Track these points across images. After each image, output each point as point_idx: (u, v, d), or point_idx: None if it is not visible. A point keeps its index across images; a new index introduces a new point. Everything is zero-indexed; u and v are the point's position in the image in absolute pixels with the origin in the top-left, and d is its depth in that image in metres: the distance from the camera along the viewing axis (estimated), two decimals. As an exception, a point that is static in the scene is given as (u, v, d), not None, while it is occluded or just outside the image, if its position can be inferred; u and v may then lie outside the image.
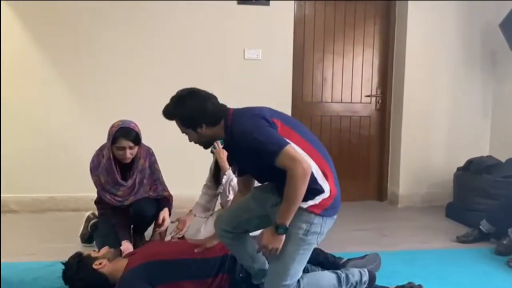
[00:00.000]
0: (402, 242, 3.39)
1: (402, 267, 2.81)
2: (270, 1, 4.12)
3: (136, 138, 2.76)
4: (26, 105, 3.94)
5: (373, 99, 4.60)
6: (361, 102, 4.59)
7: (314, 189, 1.98)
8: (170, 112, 2.07)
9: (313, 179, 1.96)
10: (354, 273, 2.27)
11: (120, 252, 2.61)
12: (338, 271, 2.28)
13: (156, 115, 2.13)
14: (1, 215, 3.81)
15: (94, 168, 2.84)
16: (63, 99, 3.97)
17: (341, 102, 4.56)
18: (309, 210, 1.99)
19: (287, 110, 4.24)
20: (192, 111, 2.03)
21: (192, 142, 2.13)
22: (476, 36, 4.43)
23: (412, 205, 4.41)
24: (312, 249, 2.10)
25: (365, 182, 4.69)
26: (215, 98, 2.09)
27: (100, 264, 2.40)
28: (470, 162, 3.93)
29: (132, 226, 2.96)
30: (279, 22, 4.18)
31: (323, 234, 2.07)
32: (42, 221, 3.73)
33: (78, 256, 2.44)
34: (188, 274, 2.27)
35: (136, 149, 2.78)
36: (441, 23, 4.35)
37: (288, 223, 1.97)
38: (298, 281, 2.11)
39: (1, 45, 3.82)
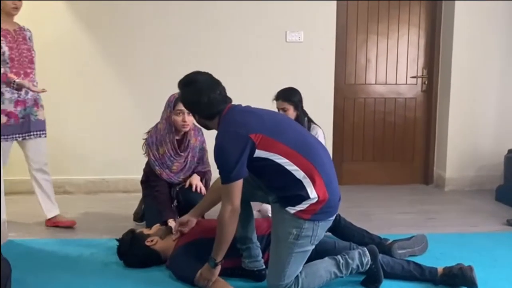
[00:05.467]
0: (450, 225, 3.32)
1: (450, 249, 2.76)
2: (313, -17, 4.08)
3: None
4: (83, 91, 4.09)
5: (419, 80, 4.49)
6: (406, 84, 4.49)
7: (299, 195, 2.02)
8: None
9: (299, 185, 2.01)
10: (354, 257, 2.22)
11: (171, 230, 2.70)
12: (338, 257, 2.22)
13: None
14: (58, 196, 4.02)
15: (152, 142, 2.94)
16: (117, 85, 4.10)
17: (386, 84, 4.47)
18: (297, 215, 2.02)
19: (329, 93, 4.23)
20: (188, 100, 2.15)
21: None
22: (530, 11, 4.22)
23: (460, 188, 4.30)
24: (310, 250, 2.12)
25: (410, 165, 4.60)
26: (214, 90, 2.05)
27: (152, 241, 2.51)
28: (522, 144, 3.79)
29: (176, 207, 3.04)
30: (321, 3, 4.12)
31: (317, 235, 2.09)
32: (95, 202, 3.91)
33: (131, 233, 2.56)
34: (236, 251, 2.33)
35: (191, 117, 2.83)
36: (491, -3, 4.16)
37: (218, 259, 2.10)
38: (297, 275, 2.12)
39: (54, 29, 3.98)
